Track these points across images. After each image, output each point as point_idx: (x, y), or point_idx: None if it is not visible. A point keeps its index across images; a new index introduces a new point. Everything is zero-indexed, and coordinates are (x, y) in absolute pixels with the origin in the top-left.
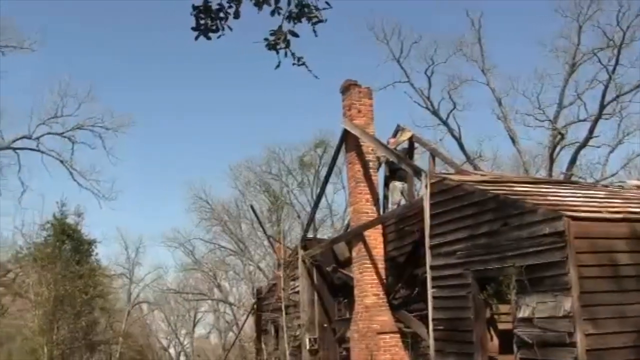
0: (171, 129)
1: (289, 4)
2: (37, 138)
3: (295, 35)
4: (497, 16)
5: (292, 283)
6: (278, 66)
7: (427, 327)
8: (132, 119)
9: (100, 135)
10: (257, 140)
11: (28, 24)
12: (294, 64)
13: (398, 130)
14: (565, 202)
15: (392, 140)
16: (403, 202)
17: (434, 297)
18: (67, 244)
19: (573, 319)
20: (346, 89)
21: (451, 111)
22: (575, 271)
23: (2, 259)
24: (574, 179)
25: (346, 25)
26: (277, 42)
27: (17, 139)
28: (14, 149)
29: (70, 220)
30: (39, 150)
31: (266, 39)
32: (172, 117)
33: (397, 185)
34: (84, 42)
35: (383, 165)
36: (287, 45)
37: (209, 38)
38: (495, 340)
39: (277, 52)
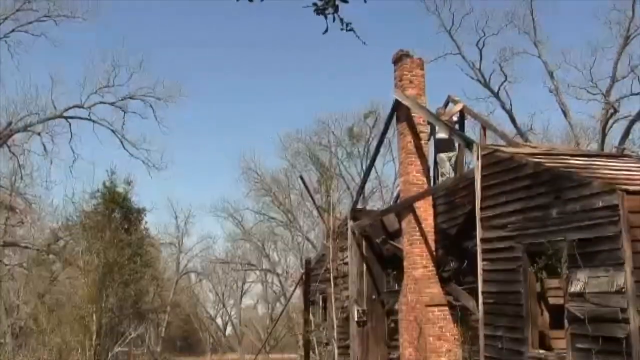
0: (222, 99)
1: None
2: (89, 107)
3: (344, 1)
4: None
5: (341, 254)
6: (326, 31)
7: (477, 300)
8: (182, 89)
9: (151, 105)
10: (307, 111)
11: None
12: (342, 29)
13: (449, 101)
14: (619, 176)
15: (442, 111)
16: (453, 174)
17: (484, 270)
18: (117, 212)
19: (626, 295)
20: (398, 59)
21: (502, 84)
22: (629, 246)
23: (53, 226)
24: (626, 152)
25: None
26: (325, 7)
27: (69, 108)
28: (66, 117)
29: (120, 189)
30: (90, 120)
31: (315, 4)
32: (223, 88)
33: (448, 156)
34: (135, 11)
35: (434, 136)
36: (336, 11)
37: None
38: (546, 315)
39: (326, 17)
